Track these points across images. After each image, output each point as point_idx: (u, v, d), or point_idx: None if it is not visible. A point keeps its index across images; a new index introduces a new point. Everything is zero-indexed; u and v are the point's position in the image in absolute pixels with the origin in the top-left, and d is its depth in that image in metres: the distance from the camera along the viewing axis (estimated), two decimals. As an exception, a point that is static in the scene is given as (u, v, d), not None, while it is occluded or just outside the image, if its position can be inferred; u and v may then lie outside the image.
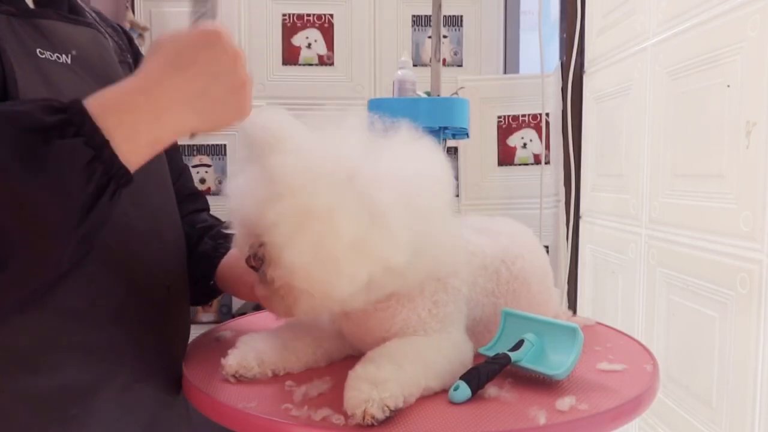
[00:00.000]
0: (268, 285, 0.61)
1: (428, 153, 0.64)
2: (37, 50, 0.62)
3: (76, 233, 0.51)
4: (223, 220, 0.89)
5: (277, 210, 0.57)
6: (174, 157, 0.86)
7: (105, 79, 0.69)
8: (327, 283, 0.58)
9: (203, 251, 0.83)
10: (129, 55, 0.80)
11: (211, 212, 0.93)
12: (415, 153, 0.63)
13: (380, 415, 0.55)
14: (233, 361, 0.68)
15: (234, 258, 0.82)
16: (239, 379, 0.68)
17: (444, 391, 0.62)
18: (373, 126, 0.63)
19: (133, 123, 0.53)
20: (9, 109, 0.50)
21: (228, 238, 0.81)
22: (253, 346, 0.70)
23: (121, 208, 0.66)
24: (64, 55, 0.65)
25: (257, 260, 0.61)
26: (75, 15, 0.71)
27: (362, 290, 0.59)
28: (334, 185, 0.57)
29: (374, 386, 0.56)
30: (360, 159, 0.60)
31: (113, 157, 0.51)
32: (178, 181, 0.86)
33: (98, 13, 0.79)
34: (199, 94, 0.56)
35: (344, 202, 0.57)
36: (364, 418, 0.54)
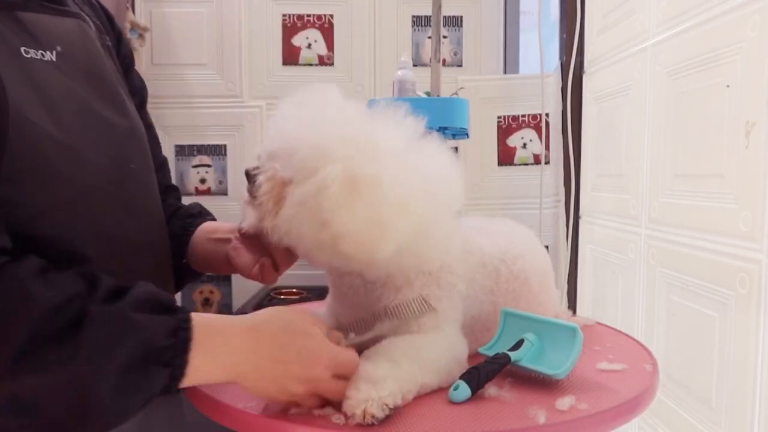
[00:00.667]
0: (255, 200, 0.65)
1: (448, 162, 0.69)
2: (22, 48, 0.60)
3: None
4: (209, 213, 0.89)
5: (328, 172, 0.61)
6: (155, 152, 0.85)
7: (91, 74, 0.68)
8: (372, 246, 0.61)
9: (172, 233, 0.82)
10: (108, 38, 0.77)
11: (204, 209, 0.92)
12: (438, 159, 0.69)
13: (380, 414, 0.55)
14: None
15: (204, 232, 0.83)
16: None
17: (443, 390, 0.62)
18: (414, 127, 0.68)
19: (209, 371, 0.56)
20: (141, 319, 0.53)
21: (195, 215, 0.85)
22: None
23: (118, 219, 0.66)
24: (49, 52, 0.63)
25: (254, 175, 0.66)
26: (57, 4, 0.68)
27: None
28: (378, 158, 0.63)
29: (373, 385, 0.56)
30: (397, 147, 0.66)
31: (179, 390, 0.56)
32: (157, 175, 0.84)
33: None
34: (274, 384, 0.58)
35: (387, 171, 0.62)
36: (364, 418, 0.55)
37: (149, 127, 0.84)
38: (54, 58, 0.63)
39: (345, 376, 0.59)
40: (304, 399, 0.59)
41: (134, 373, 0.52)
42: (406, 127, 0.68)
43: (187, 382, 0.55)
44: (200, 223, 0.84)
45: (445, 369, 0.65)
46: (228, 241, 0.76)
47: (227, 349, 0.57)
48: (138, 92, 0.83)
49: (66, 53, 0.65)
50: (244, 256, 0.73)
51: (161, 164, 0.88)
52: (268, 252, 0.72)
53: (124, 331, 0.52)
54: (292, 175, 0.63)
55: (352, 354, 0.61)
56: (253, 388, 0.58)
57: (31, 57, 0.61)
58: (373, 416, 0.55)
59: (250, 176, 0.67)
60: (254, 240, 0.72)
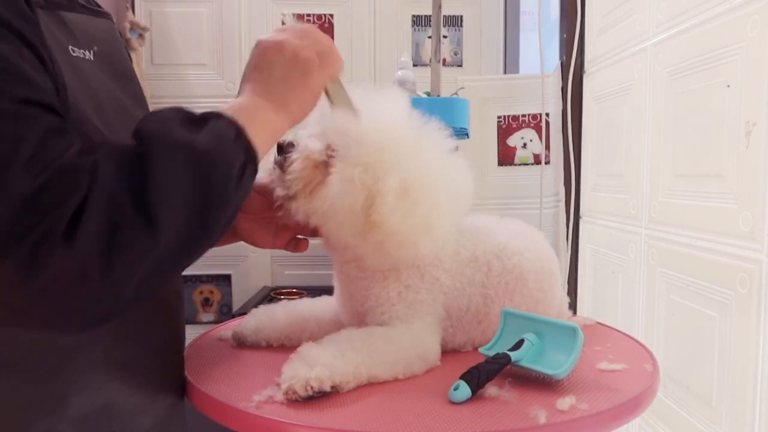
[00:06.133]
0: (283, 174, 0.68)
1: (462, 163, 0.75)
2: (69, 47, 0.61)
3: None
4: None
5: (386, 182, 0.65)
6: None
7: (120, 73, 0.69)
8: (417, 244, 0.67)
9: None
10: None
11: None
12: (457, 160, 0.74)
13: (303, 393, 0.59)
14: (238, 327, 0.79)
15: None
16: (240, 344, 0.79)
17: (443, 390, 0.62)
18: (444, 130, 0.73)
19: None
20: (213, 147, 0.55)
21: None
22: (258, 318, 0.80)
23: None
24: (88, 51, 0.63)
25: (287, 150, 0.68)
26: (90, 5, 0.68)
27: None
28: (430, 166, 0.68)
29: (304, 365, 0.60)
30: (442, 152, 0.72)
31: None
32: None
33: None
34: (277, 85, 0.65)
35: (437, 179, 0.68)
36: (287, 393, 0.59)
37: None
38: (92, 57, 0.64)
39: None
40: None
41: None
42: (441, 130, 0.72)
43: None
44: None
45: (402, 362, 0.67)
46: None
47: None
48: None
49: (101, 53, 0.66)
50: (260, 234, 0.78)
51: None
52: (281, 225, 0.75)
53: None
54: (331, 159, 0.66)
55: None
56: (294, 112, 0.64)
57: (76, 56, 0.61)
58: (295, 392, 0.59)
59: (282, 149, 0.69)
60: (265, 216, 0.76)
